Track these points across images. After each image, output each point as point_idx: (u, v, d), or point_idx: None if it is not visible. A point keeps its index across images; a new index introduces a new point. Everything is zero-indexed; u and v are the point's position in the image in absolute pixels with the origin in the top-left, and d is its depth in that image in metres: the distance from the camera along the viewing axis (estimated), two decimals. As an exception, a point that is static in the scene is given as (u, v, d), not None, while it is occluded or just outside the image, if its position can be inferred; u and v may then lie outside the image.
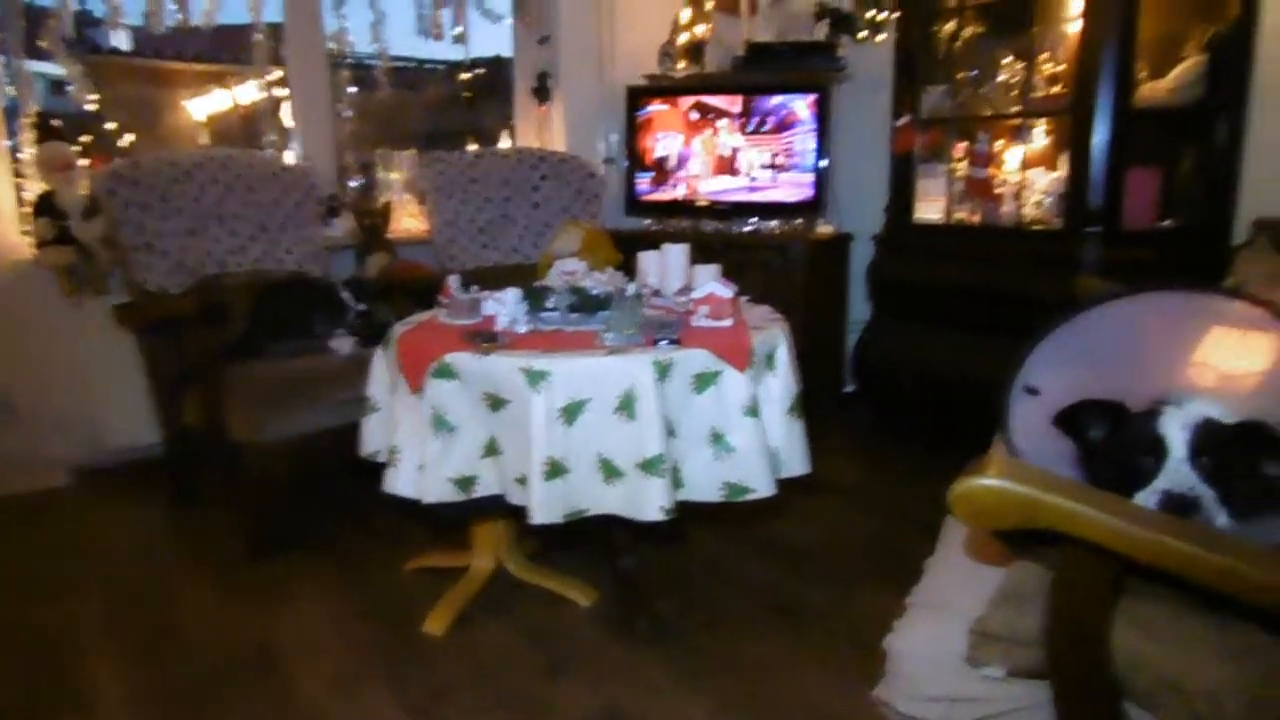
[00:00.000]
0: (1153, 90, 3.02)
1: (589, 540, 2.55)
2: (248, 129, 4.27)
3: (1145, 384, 1.17)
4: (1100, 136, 2.90)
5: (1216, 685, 0.95)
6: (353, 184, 4.05)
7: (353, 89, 3.97)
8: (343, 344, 2.86)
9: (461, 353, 1.93)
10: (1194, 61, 2.97)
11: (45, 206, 3.16)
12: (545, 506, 1.85)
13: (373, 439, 2.19)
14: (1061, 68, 3.15)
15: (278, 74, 3.83)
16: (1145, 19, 2.90)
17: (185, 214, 3.04)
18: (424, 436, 1.94)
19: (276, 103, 3.85)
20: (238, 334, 2.82)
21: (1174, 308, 1.12)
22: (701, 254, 2.78)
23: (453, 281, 2.31)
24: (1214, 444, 1.05)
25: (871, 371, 3.69)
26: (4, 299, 3.20)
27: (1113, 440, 1.14)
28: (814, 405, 3.88)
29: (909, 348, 3.45)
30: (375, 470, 2.09)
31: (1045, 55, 3.23)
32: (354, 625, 2.29)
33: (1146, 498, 1.07)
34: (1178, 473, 1.06)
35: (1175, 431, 1.07)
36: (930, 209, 3.57)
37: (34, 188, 3.24)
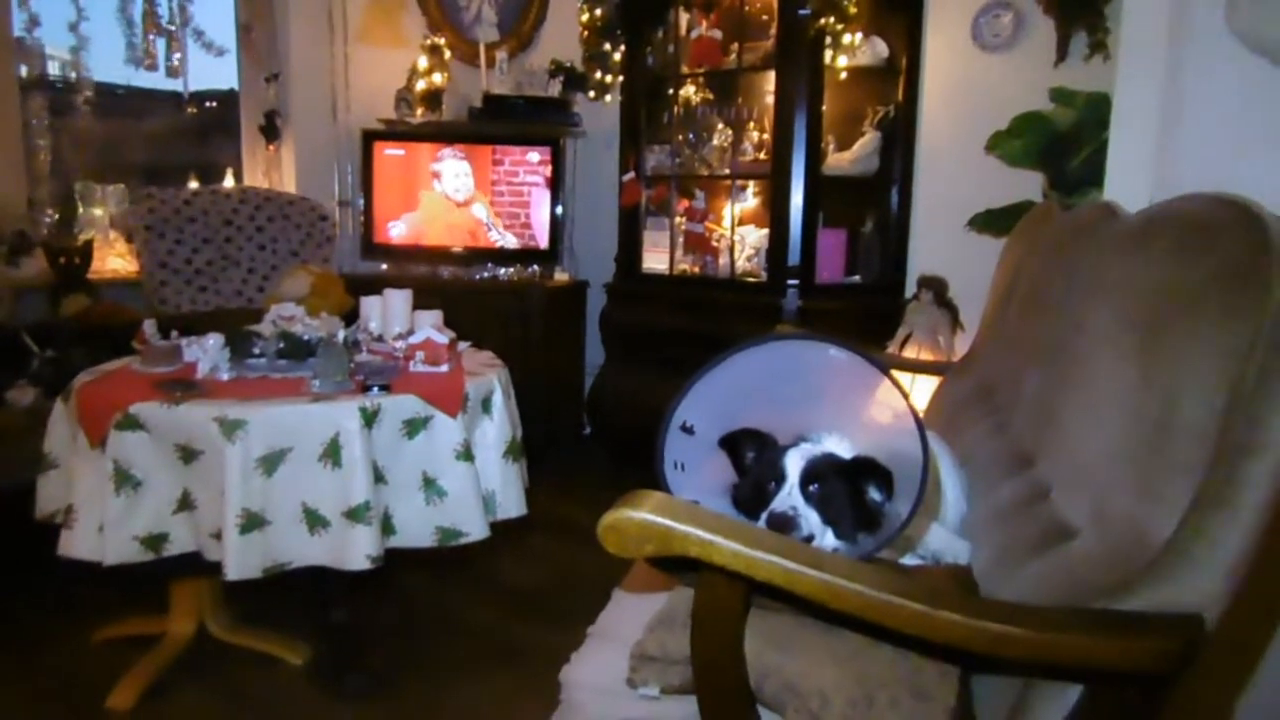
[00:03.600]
0: (838, 160, 3.40)
1: (303, 594, 2.45)
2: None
3: (793, 422, 1.33)
4: (797, 200, 3.22)
5: (826, 685, 1.08)
6: (48, 219, 3.68)
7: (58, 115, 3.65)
8: (22, 395, 2.59)
9: (149, 403, 1.82)
10: (870, 137, 3.39)
11: None
12: (241, 561, 1.78)
13: (49, 499, 2.01)
14: (766, 136, 3.48)
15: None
16: (830, 96, 3.28)
17: None
18: (104, 494, 1.81)
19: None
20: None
21: (803, 355, 1.28)
22: (440, 300, 2.78)
23: (148, 327, 2.18)
24: (823, 474, 1.21)
25: (604, 414, 3.83)
26: None
27: (754, 466, 1.29)
28: (553, 447, 4.01)
29: (637, 391, 3.61)
30: (57, 535, 1.91)
31: (752, 124, 3.56)
32: (26, 711, 2.06)
33: (762, 517, 1.21)
34: (788, 496, 1.21)
35: (795, 462, 1.22)
36: (656, 260, 3.78)
37: None
